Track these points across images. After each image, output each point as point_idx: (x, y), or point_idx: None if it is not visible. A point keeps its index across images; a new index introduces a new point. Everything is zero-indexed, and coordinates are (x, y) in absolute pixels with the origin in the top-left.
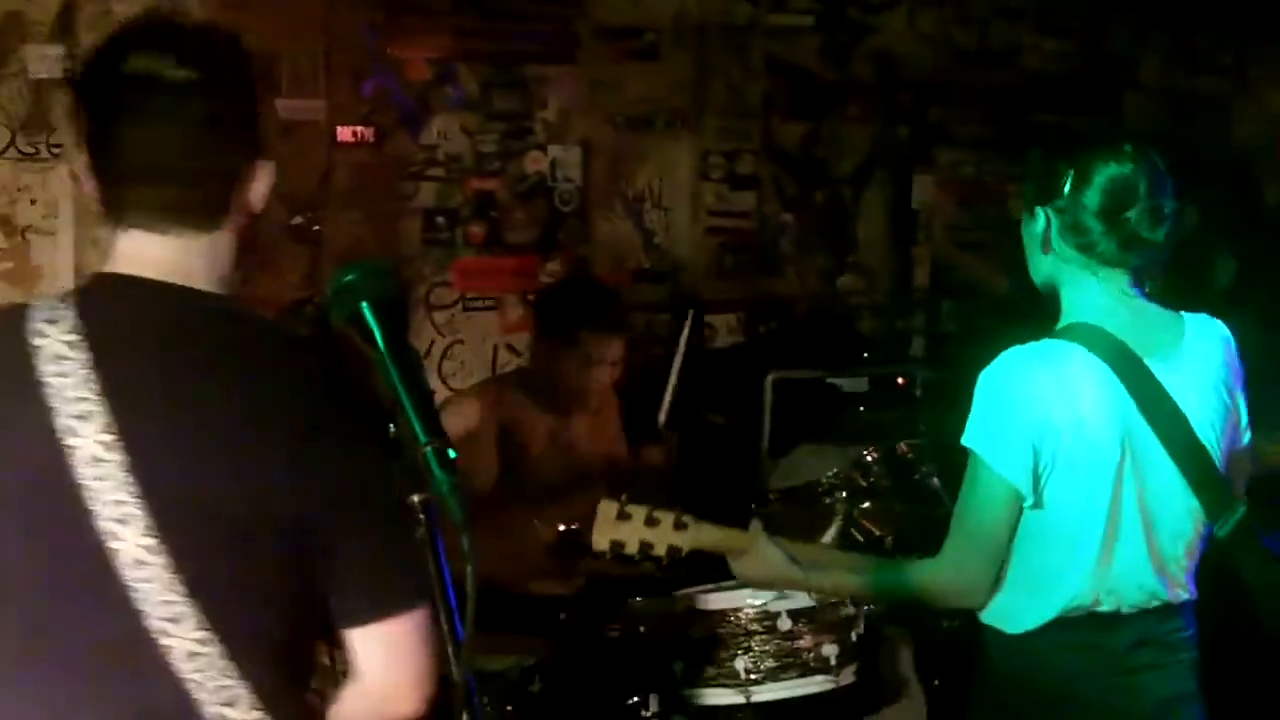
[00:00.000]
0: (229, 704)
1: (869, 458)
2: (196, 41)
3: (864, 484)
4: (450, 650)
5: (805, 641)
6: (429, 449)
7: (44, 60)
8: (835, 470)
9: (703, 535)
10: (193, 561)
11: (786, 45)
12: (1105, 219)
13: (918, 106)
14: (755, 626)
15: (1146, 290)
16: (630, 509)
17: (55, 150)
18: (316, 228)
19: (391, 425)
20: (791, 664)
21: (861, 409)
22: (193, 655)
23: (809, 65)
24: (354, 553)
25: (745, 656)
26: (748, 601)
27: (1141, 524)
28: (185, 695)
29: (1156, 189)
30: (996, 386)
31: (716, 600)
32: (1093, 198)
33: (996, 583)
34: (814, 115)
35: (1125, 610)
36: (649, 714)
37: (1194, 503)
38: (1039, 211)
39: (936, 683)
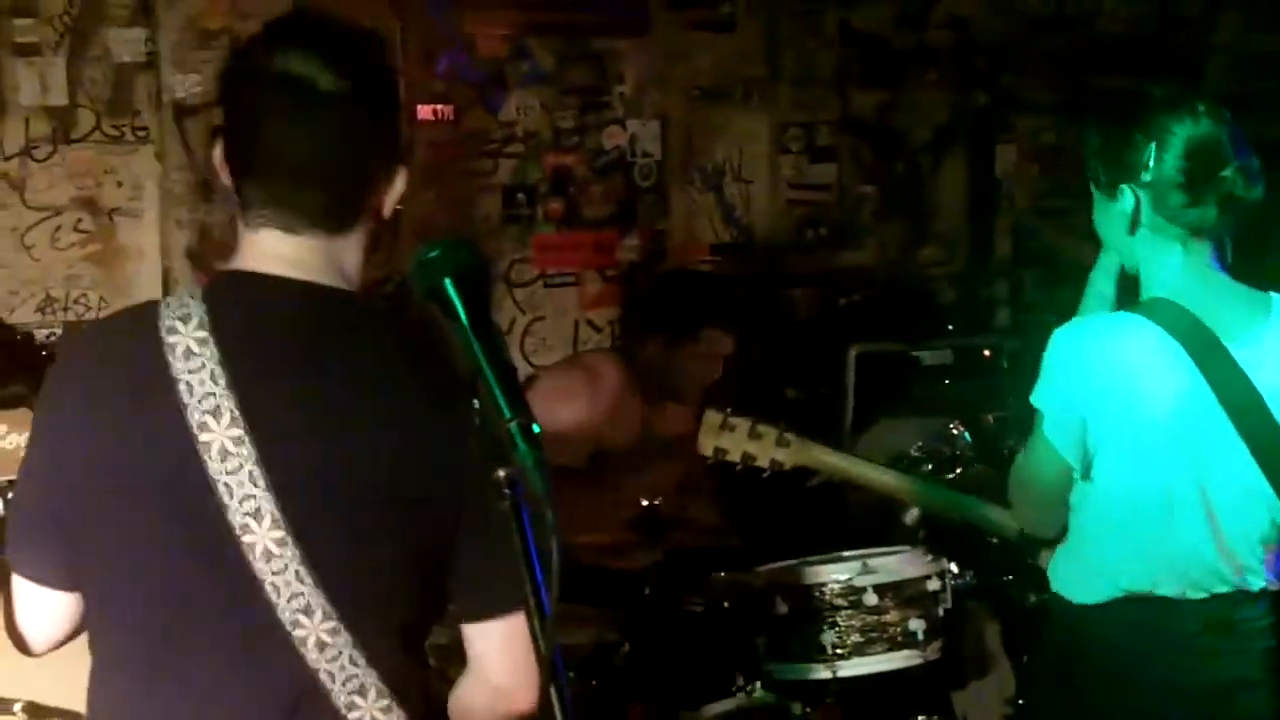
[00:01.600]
0: (358, 693)
1: (954, 430)
2: (347, 46)
3: (950, 456)
4: (536, 624)
5: (892, 616)
6: (513, 423)
7: (126, 43)
8: (920, 443)
9: (807, 453)
10: (320, 551)
11: (860, 13)
12: (1200, 184)
13: (994, 73)
14: (841, 601)
15: (1228, 265)
16: (734, 420)
17: (140, 133)
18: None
19: (475, 400)
20: (878, 639)
21: (946, 381)
22: (322, 645)
23: (883, 33)
24: (474, 544)
25: (831, 631)
26: (833, 576)
27: (1204, 509)
28: (318, 684)
29: (1240, 146)
30: (1059, 354)
31: (801, 574)
32: (1180, 165)
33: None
34: (890, 84)
35: (1191, 595)
36: (734, 688)
37: (1269, 491)
38: (1124, 191)
39: (1025, 658)
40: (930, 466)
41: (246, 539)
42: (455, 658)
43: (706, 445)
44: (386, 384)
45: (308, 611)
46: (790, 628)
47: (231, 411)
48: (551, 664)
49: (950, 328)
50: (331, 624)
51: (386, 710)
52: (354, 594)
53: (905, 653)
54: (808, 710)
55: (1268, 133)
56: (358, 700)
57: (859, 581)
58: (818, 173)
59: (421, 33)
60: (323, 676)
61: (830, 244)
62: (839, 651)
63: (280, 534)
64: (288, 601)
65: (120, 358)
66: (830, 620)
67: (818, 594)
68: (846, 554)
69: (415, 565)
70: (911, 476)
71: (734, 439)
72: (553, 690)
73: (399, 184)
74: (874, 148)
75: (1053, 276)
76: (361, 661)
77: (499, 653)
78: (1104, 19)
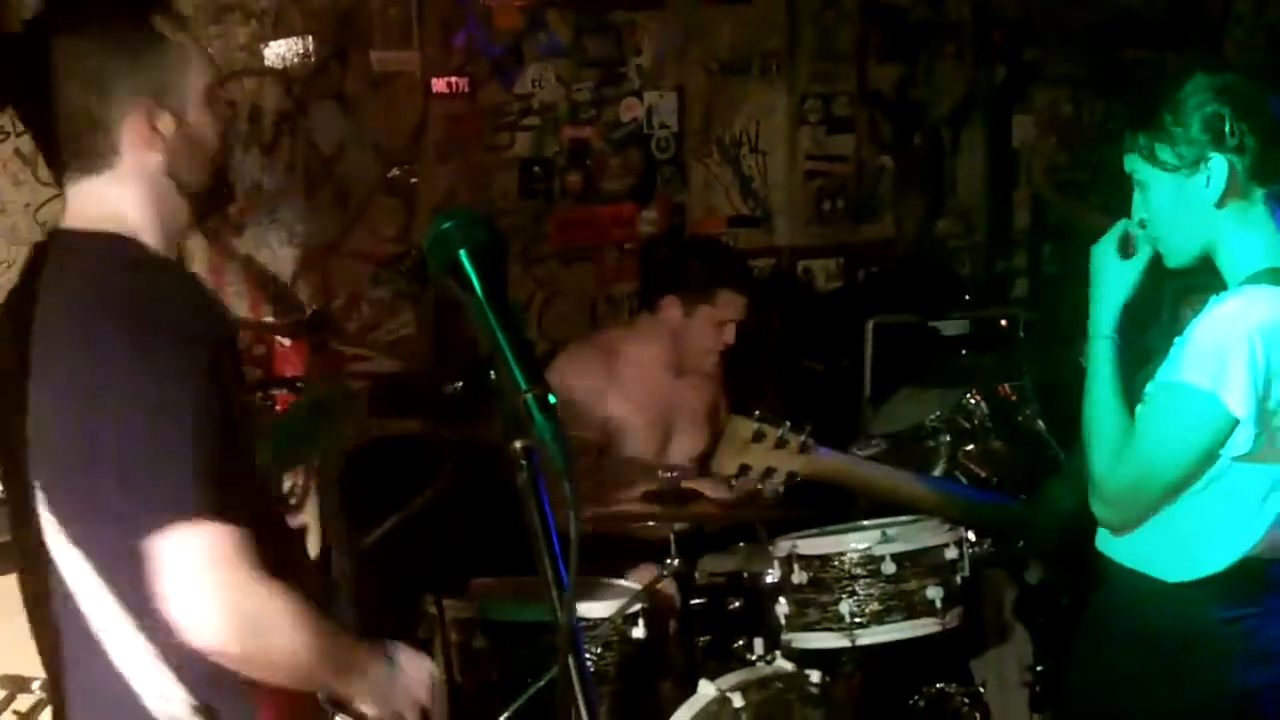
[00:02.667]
0: (103, 608)
1: (972, 400)
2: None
3: (967, 427)
4: (555, 597)
5: (910, 585)
6: (530, 396)
7: None
8: (938, 413)
9: (820, 463)
10: (44, 482)
11: None
12: None
13: (1012, 45)
14: (859, 570)
15: None
16: (764, 429)
17: None
18: (414, 180)
19: (491, 373)
20: (896, 607)
21: (964, 352)
22: (66, 559)
23: (902, 5)
24: (115, 466)
25: (850, 600)
26: (851, 545)
27: None
28: (70, 593)
29: None
30: (1225, 326)
31: (820, 544)
32: (1263, 123)
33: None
34: (909, 56)
35: (1272, 556)
36: (753, 657)
37: None
38: (1217, 160)
39: (1041, 622)
40: (948, 437)
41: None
42: (479, 631)
43: (729, 463)
44: (62, 332)
45: (47, 528)
46: (809, 597)
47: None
48: (571, 638)
49: (968, 299)
50: (63, 536)
51: None
52: (70, 519)
53: (923, 621)
54: (827, 679)
55: None
56: (102, 609)
57: (878, 550)
58: (836, 144)
59: (438, 5)
60: (71, 585)
61: (848, 216)
62: (858, 620)
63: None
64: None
65: None
66: (849, 589)
67: (836, 563)
68: (865, 523)
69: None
70: (925, 482)
71: (758, 452)
72: (572, 664)
73: (141, 120)
74: (892, 120)
75: (1071, 248)
76: (103, 582)
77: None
78: None
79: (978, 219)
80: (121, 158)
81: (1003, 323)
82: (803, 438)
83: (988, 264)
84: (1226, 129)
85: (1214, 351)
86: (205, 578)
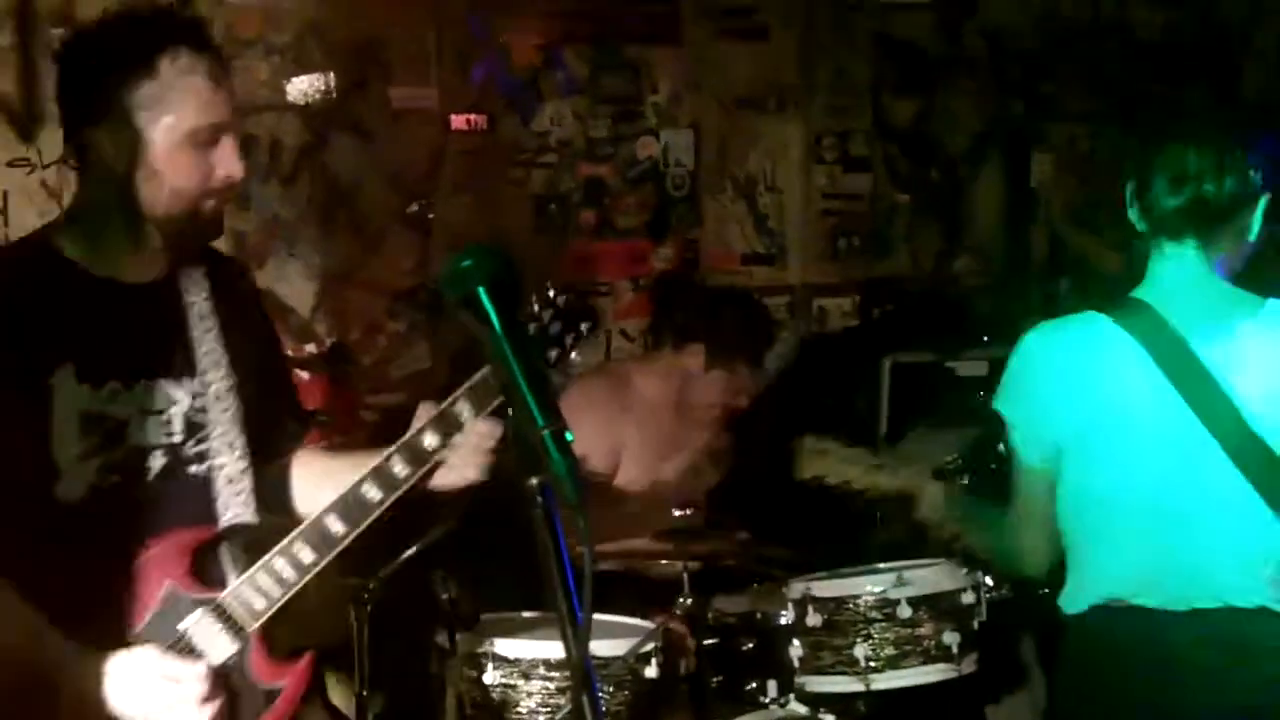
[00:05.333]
0: None
1: (991, 443)
2: None
3: (985, 468)
4: (569, 633)
5: (926, 629)
6: (546, 431)
7: None
8: (955, 455)
9: (900, 478)
10: None
11: (895, 21)
12: (1168, 184)
13: (1029, 80)
14: (875, 614)
15: (1222, 265)
16: (826, 445)
17: None
18: (431, 215)
19: (508, 409)
20: (912, 652)
21: (981, 393)
22: None
23: (919, 41)
24: None
25: (865, 644)
26: (867, 588)
27: (1176, 515)
28: None
29: (1222, 151)
30: (1023, 359)
31: (835, 587)
32: (1157, 166)
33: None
34: (925, 92)
35: (1173, 607)
36: (766, 700)
37: (1254, 496)
38: (1126, 192)
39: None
40: (966, 480)
41: None
42: (490, 666)
43: (805, 471)
44: None
45: None
46: (823, 639)
47: None
48: (585, 673)
49: (985, 339)
50: None
51: None
52: None
53: (939, 666)
54: None
55: None
56: None
57: (893, 594)
58: (852, 182)
59: (457, 42)
60: None
61: (864, 253)
62: (872, 664)
63: None
64: None
65: None
66: (864, 633)
67: (852, 606)
68: (881, 566)
69: None
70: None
71: (828, 463)
72: (585, 700)
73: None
74: (909, 156)
75: (1088, 286)
76: None
77: None
78: (1141, 26)
79: (994, 256)
80: None
81: None
82: (868, 454)
83: (1004, 302)
84: (1130, 166)
85: (1010, 386)
86: None
